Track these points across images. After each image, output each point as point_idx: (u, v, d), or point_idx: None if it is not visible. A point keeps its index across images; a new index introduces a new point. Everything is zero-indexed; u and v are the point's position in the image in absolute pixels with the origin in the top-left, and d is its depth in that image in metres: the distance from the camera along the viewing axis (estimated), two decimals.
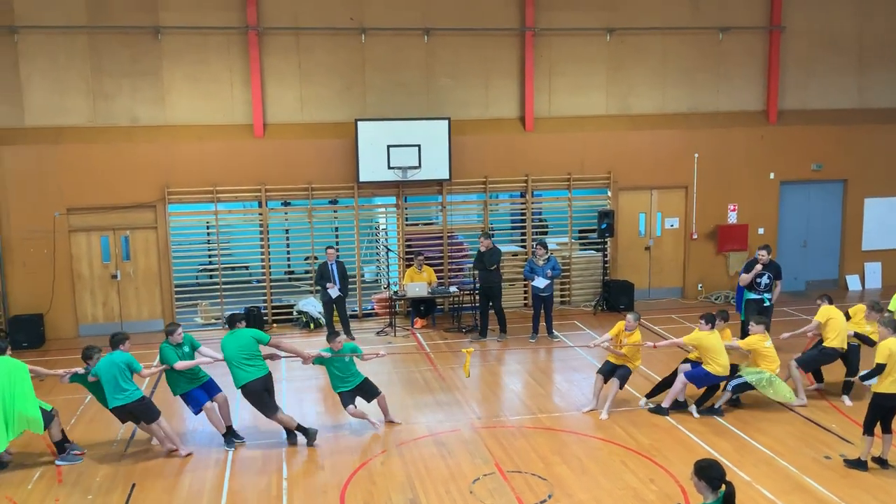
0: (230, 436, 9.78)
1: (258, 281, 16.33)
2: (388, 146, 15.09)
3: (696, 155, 16.75)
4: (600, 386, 10.60)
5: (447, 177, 15.55)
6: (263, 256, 15.74)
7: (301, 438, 9.73)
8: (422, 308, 15.43)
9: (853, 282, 17.78)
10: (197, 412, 9.73)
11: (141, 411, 9.30)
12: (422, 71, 15.84)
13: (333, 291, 14.20)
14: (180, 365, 9.46)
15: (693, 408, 10.42)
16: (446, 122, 15.36)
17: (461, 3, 15.76)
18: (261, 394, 9.51)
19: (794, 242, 17.55)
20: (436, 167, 15.38)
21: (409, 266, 15.53)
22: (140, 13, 14.68)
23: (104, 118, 14.87)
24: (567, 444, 9.60)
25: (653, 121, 16.75)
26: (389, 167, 15.16)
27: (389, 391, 11.59)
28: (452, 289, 15.39)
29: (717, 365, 10.15)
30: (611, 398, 10.40)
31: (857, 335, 10.79)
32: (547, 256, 14.04)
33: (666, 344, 10.77)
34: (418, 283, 14.82)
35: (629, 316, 10.48)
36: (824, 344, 10.83)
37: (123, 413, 9.33)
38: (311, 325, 15.25)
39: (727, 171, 16.89)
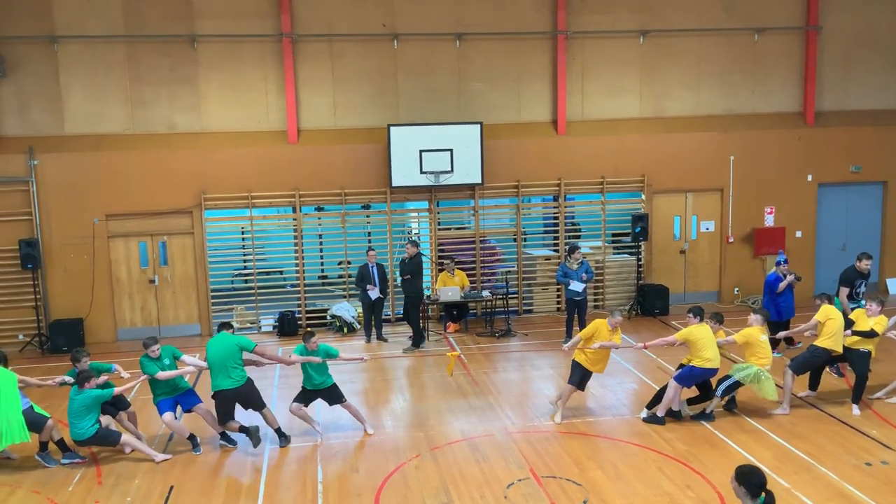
0: (224, 440, 9.92)
1: (292, 286, 16.46)
2: (421, 151, 15.13)
3: (732, 157, 16.56)
4: (570, 395, 10.51)
5: (479, 181, 15.55)
6: (297, 261, 15.87)
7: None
8: (454, 312, 15.44)
9: (893, 285, 17.43)
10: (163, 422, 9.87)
11: (100, 442, 9.51)
12: (454, 75, 15.87)
13: (373, 293, 14.34)
14: (162, 375, 9.61)
15: (684, 404, 10.32)
16: (478, 126, 15.36)
17: (493, 7, 15.77)
18: (229, 403, 9.62)
19: (832, 245, 17.25)
20: (468, 171, 15.39)
21: (441, 270, 15.55)
22: (177, 22, 14.91)
23: (142, 126, 15.11)
24: (602, 450, 9.53)
25: (687, 123, 16.59)
26: (422, 172, 15.21)
27: (422, 395, 11.66)
28: (485, 293, 15.38)
29: (700, 358, 9.98)
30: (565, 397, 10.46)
31: (855, 332, 10.44)
32: (580, 260, 13.98)
33: (657, 343, 10.60)
34: (451, 288, 14.84)
35: (617, 315, 10.30)
36: (815, 343, 10.56)
37: (89, 444, 9.50)
38: (345, 330, 15.33)
39: (764, 173, 16.67)
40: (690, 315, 10.23)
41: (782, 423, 10.14)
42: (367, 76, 15.65)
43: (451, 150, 15.20)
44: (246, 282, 16.80)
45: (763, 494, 5.40)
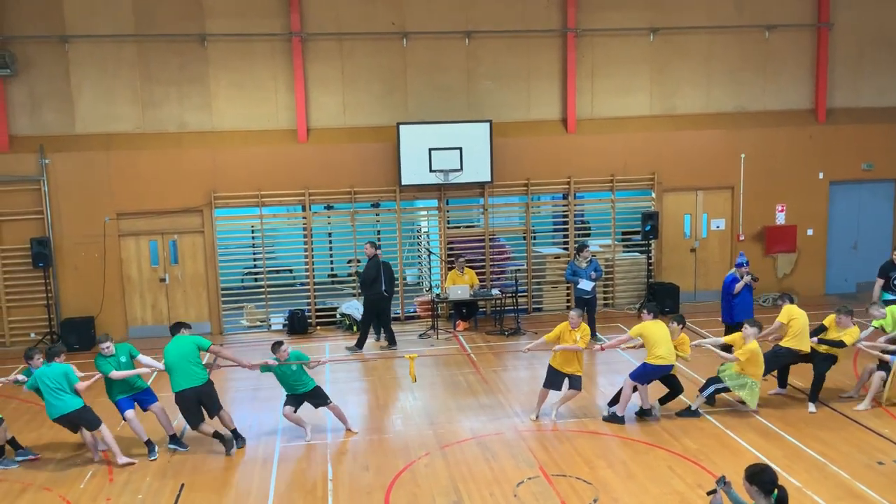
0: (174, 443, 9.80)
1: (302, 284, 16.49)
2: (430, 149, 15.13)
3: (743, 155, 16.49)
4: (545, 397, 10.44)
5: (489, 179, 15.54)
6: (307, 260, 15.89)
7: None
8: (464, 311, 15.43)
9: None
10: (125, 419, 9.76)
11: (81, 420, 9.37)
12: (463, 74, 15.86)
13: None
14: (116, 374, 9.53)
15: (656, 405, 10.27)
16: (488, 124, 15.35)
17: (502, 5, 15.74)
18: (193, 403, 9.56)
19: (844, 244, 17.17)
20: (477, 170, 15.37)
21: (450, 269, 15.55)
22: (187, 21, 14.94)
23: (152, 125, 15.16)
24: (612, 448, 9.52)
25: (698, 121, 16.54)
26: (431, 170, 15.20)
27: (432, 393, 11.67)
28: (494, 291, 15.37)
29: (653, 356, 9.95)
30: (562, 401, 10.31)
31: (823, 341, 10.45)
32: (589, 258, 13.96)
33: (613, 343, 10.59)
34: (460, 286, 14.84)
35: (572, 313, 10.25)
36: (780, 344, 10.50)
37: (64, 422, 9.40)
38: (354, 328, 15.33)
39: (774, 171, 16.59)
40: (645, 311, 10.25)
41: (793, 421, 10.10)
42: (377, 75, 15.65)
43: (460, 149, 15.19)
44: (256, 280, 16.84)
45: (776, 491, 5.39)
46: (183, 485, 8.88)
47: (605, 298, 16.43)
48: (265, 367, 9.96)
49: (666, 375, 10.27)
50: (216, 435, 9.68)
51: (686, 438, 9.66)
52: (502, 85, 15.99)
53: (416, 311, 16.31)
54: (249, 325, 15.85)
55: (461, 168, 15.25)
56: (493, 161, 15.40)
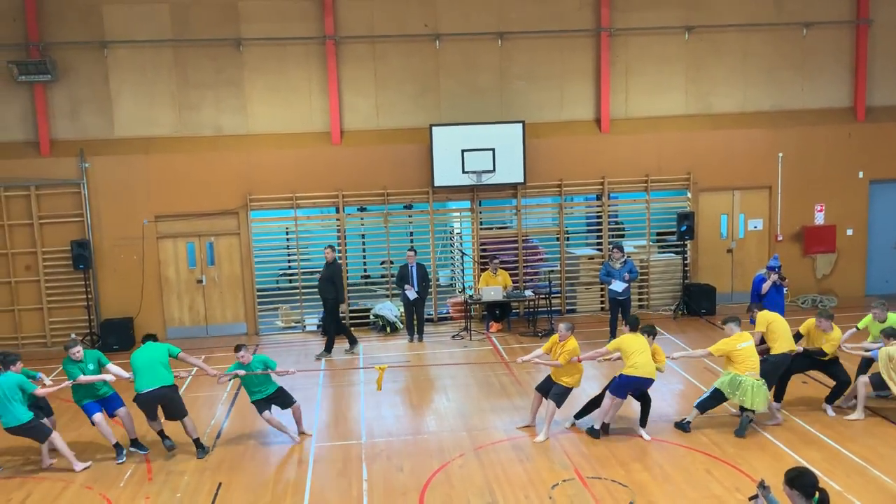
0: (135, 446, 9.90)
1: None
2: (463, 151, 15.13)
3: (781, 154, 16.26)
4: (538, 403, 10.20)
5: (522, 180, 15.50)
6: (341, 261, 15.97)
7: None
8: (497, 312, 15.40)
9: None
10: (93, 423, 9.85)
11: (29, 433, 9.41)
12: (496, 75, 15.84)
13: (411, 293, 14.39)
14: (82, 379, 9.58)
15: (642, 431, 9.87)
16: (521, 125, 15.31)
17: (535, 6, 15.70)
18: (152, 406, 9.65)
19: (884, 244, 16.84)
20: (510, 171, 15.34)
21: (483, 270, 15.54)
22: (223, 26, 15.12)
23: (189, 128, 15.36)
24: (648, 451, 9.44)
25: (734, 120, 16.34)
26: (464, 171, 15.21)
27: (465, 394, 11.67)
28: (528, 293, 15.32)
29: (628, 366, 9.70)
30: (548, 419, 9.87)
31: (806, 350, 10.19)
32: (623, 259, 13.86)
33: (590, 356, 10.29)
34: (493, 287, 14.82)
35: (561, 325, 10.02)
36: (772, 353, 10.06)
37: (17, 433, 9.42)
38: (388, 329, 15.40)
39: (813, 170, 16.34)
40: (623, 325, 10.08)
41: (833, 424, 9.94)
42: (410, 76, 15.70)
43: (493, 150, 15.17)
44: (290, 281, 16.98)
45: (817, 494, 5.30)
46: (220, 484, 8.98)
47: (639, 300, 16.30)
48: (232, 368, 9.97)
49: (643, 393, 9.96)
50: (160, 434, 9.80)
51: (723, 442, 9.54)
52: (535, 85, 15.95)
53: (449, 313, 16.32)
54: (284, 325, 15.98)
55: (494, 169, 15.23)
56: (526, 162, 15.36)
